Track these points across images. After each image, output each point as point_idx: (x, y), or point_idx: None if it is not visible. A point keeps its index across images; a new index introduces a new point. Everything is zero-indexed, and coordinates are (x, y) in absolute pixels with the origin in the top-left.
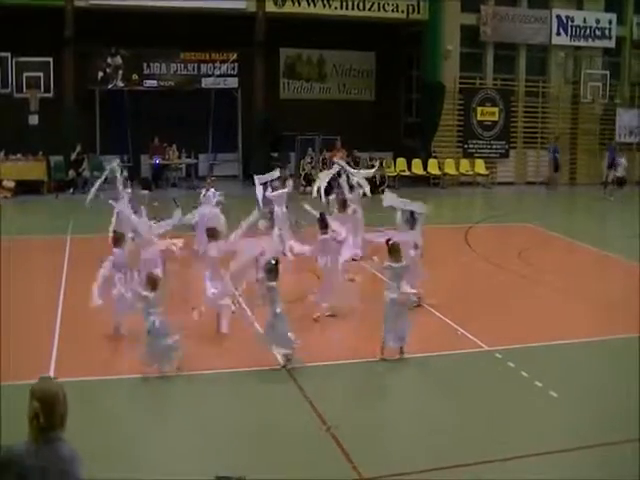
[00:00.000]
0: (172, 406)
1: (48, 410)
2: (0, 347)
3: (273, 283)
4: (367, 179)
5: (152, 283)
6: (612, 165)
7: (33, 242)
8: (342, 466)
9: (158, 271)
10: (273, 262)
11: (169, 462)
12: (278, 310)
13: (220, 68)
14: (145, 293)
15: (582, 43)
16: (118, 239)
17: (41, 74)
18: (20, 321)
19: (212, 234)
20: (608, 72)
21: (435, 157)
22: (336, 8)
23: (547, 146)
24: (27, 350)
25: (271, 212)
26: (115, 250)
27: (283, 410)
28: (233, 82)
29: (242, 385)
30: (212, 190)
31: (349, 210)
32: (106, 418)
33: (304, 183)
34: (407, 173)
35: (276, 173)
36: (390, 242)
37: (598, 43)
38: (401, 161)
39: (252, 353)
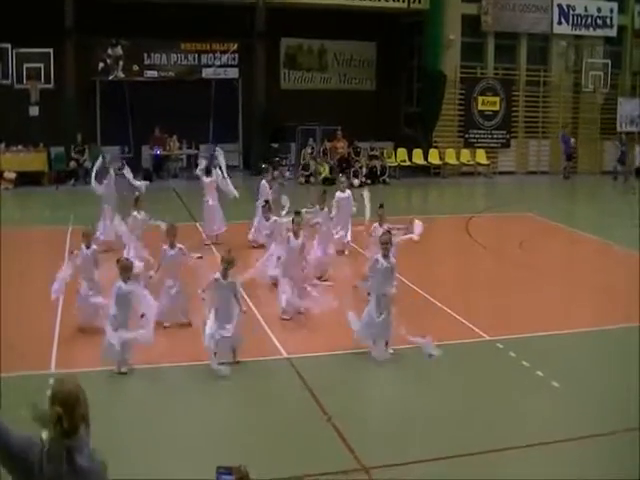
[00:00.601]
0: (173, 397)
1: (70, 413)
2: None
3: None
4: (368, 169)
5: (125, 269)
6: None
7: (34, 233)
8: (343, 455)
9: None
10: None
11: (171, 452)
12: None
13: (221, 58)
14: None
15: (583, 32)
16: (87, 235)
17: (41, 65)
18: (20, 313)
19: None
20: (609, 61)
21: (436, 147)
22: None
23: (558, 134)
24: (27, 342)
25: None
26: (83, 248)
27: (283, 400)
28: (234, 72)
29: (241, 375)
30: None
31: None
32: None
33: (304, 173)
34: (408, 163)
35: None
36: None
37: (599, 32)
38: (402, 151)
39: (251, 343)
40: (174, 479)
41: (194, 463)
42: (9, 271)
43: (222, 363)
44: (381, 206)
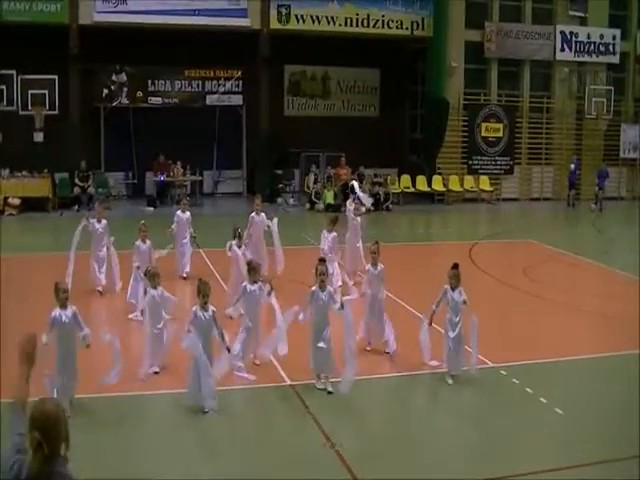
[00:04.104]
0: (174, 422)
1: (51, 437)
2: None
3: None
4: (372, 196)
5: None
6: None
7: (37, 259)
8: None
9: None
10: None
11: (167, 472)
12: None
13: (224, 85)
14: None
15: (586, 59)
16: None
17: (46, 91)
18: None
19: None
20: (612, 88)
21: (439, 173)
22: (340, 25)
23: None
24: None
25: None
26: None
27: (287, 426)
28: (237, 99)
29: (247, 401)
30: None
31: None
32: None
33: (308, 200)
34: (411, 189)
35: None
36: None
37: (602, 59)
38: (405, 177)
39: (257, 371)
40: None
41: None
42: (12, 296)
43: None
44: (376, 243)
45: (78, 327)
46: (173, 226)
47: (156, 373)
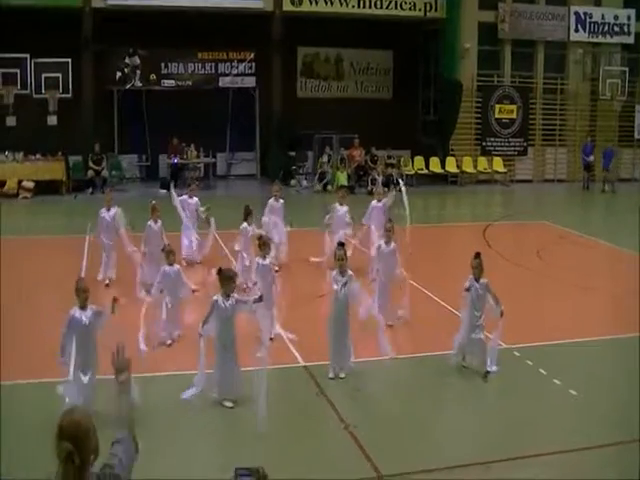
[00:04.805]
0: (189, 403)
1: (82, 448)
2: None
3: None
4: (385, 177)
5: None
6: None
7: (52, 242)
8: (361, 464)
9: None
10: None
11: (188, 459)
12: None
13: (237, 67)
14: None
15: (600, 39)
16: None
17: (60, 75)
18: (34, 323)
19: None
20: (627, 69)
21: (453, 155)
22: (353, 6)
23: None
24: (41, 349)
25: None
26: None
27: (301, 407)
28: (250, 81)
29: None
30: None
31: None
32: None
33: (320, 182)
34: (425, 171)
35: None
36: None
37: (617, 39)
38: (419, 159)
39: (271, 351)
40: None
41: (212, 465)
42: (26, 279)
43: None
44: (390, 221)
45: (99, 327)
46: (181, 212)
47: (169, 345)
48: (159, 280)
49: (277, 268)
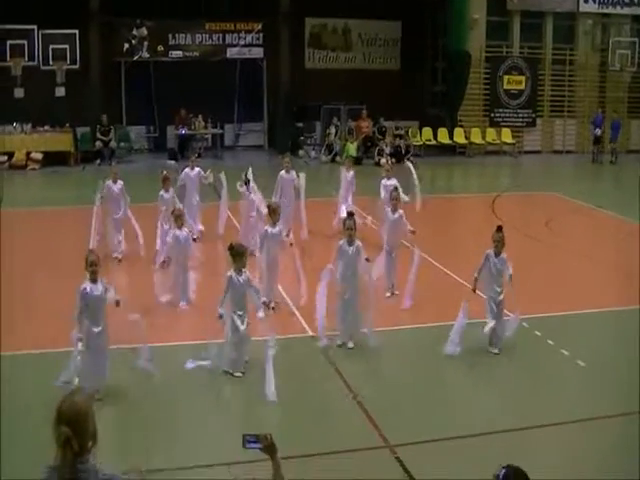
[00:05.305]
0: (200, 373)
1: (80, 432)
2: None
3: None
4: (393, 148)
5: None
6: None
7: (60, 212)
8: (369, 434)
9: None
10: None
11: (199, 426)
12: None
13: (245, 38)
14: None
15: (610, 10)
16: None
17: (67, 46)
18: (43, 291)
19: None
20: (637, 39)
21: (461, 126)
22: None
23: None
24: (48, 320)
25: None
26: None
27: (309, 376)
28: (258, 52)
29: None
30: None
31: None
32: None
33: (328, 153)
34: (433, 142)
35: None
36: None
37: (627, 10)
38: (427, 130)
39: (279, 321)
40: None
41: (220, 432)
42: (35, 250)
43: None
44: (396, 189)
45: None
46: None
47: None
48: (170, 244)
49: (291, 241)
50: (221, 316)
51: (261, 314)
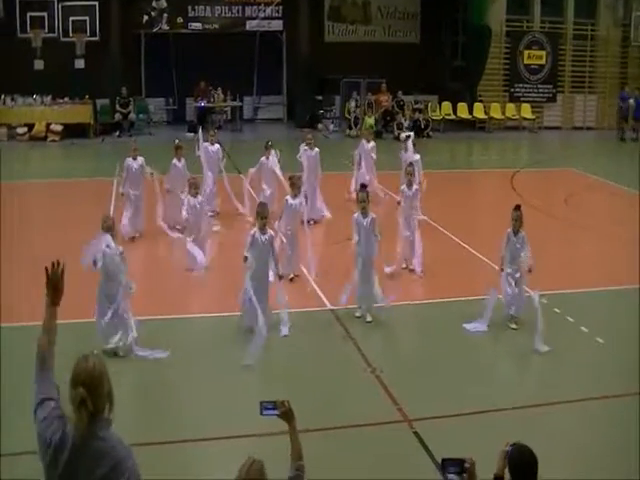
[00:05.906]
0: (218, 343)
1: (96, 394)
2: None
3: None
4: (412, 122)
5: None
6: None
7: (80, 184)
8: (388, 408)
9: None
10: None
11: (216, 398)
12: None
13: (265, 11)
14: None
15: None
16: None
17: (87, 18)
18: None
19: None
20: None
21: (481, 101)
22: None
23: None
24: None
25: None
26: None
27: (328, 350)
28: (278, 25)
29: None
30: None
31: None
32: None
33: (353, 126)
34: (452, 117)
35: None
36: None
37: None
38: (446, 105)
39: (299, 295)
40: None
41: (239, 403)
42: (55, 220)
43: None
44: (410, 164)
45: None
46: (204, 162)
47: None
48: (186, 210)
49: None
50: (246, 258)
51: (271, 278)
